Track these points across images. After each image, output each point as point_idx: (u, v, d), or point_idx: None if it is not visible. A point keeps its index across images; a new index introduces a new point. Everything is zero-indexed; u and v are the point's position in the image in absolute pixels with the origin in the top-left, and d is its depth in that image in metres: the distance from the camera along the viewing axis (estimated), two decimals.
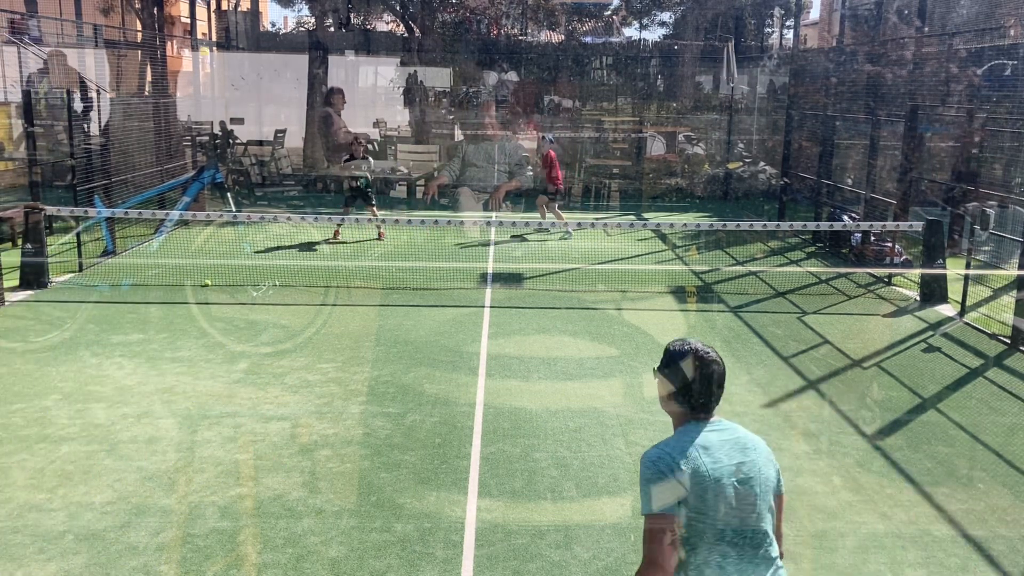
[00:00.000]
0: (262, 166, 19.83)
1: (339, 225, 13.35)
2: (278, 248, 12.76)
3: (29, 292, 9.82)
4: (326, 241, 13.25)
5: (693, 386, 2.65)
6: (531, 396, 6.87)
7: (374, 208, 13.39)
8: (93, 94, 12.00)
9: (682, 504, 2.53)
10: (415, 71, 23.14)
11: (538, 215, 14.30)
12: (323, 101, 20.80)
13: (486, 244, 13.49)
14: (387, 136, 22.66)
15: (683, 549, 2.56)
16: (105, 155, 12.07)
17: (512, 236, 13.99)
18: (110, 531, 4.71)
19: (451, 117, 22.18)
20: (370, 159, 13.90)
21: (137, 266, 11.44)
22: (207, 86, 25.16)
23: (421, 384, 7.09)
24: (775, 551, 2.68)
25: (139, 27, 19.91)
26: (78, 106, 11.45)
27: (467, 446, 5.90)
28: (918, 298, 10.38)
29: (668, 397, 2.73)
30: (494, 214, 16.04)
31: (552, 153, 14.19)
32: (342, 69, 25.52)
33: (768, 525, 2.66)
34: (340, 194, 18.93)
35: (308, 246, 13.12)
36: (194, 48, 24.30)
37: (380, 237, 13.67)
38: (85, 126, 11.33)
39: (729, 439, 2.66)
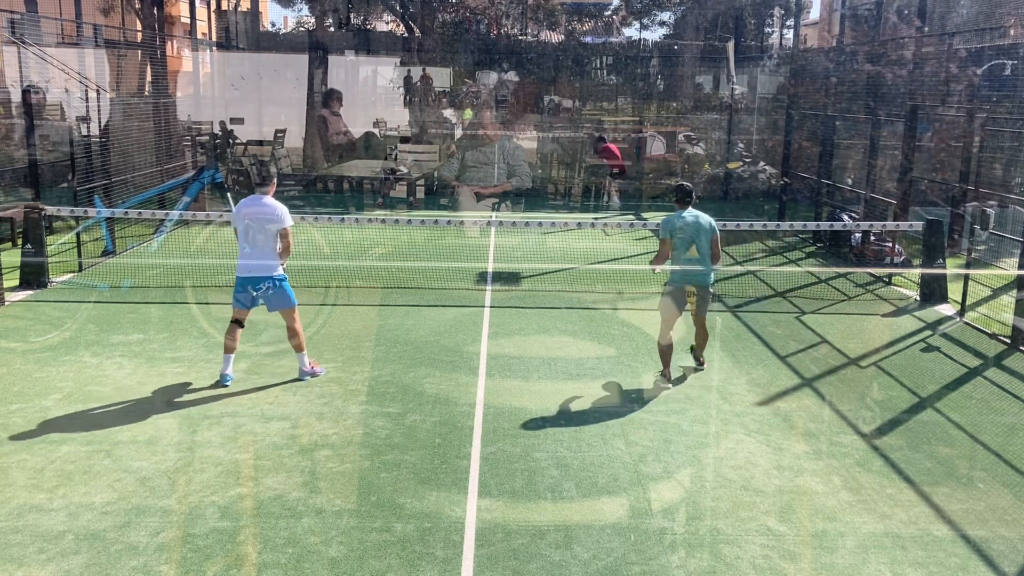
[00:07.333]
0: (262, 166, 19.82)
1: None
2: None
3: (29, 292, 9.82)
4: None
5: None
6: (531, 396, 6.87)
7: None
8: (93, 93, 11.99)
9: None
10: (411, 70, 23.14)
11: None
12: (322, 103, 20.82)
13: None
14: (387, 136, 22.67)
15: None
16: (105, 155, 12.06)
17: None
18: (110, 531, 4.71)
19: (451, 117, 22.20)
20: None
21: (137, 266, 11.43)
22: (207, 86, 25.13)
23: (421, 384, 7.09)
24: None
25: (139, 27, 19.90)
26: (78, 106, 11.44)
27: (467, 446, 5.90)
28: (918, 298, 10.38)
29: None
30: (493, 214, 16.05)
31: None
32: (342, 69, 25.51)
33: None
34: (340, 194, 19.13)
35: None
36: (194, 48, 24.30)
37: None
38: (79, 126, 11.33)
39: None
